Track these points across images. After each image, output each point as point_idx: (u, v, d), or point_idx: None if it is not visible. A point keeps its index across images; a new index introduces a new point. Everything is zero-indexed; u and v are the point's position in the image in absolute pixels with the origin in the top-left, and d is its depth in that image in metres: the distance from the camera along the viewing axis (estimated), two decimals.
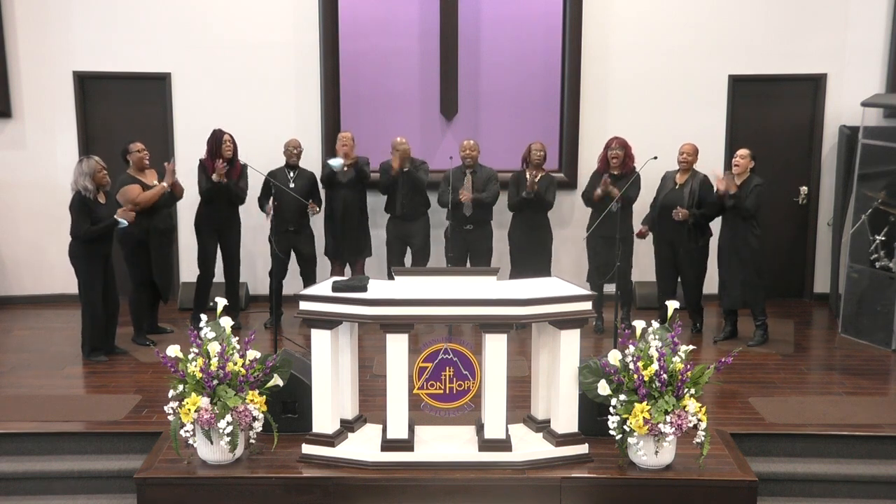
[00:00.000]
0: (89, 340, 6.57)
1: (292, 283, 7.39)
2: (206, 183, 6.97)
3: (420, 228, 7.47)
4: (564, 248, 7.69)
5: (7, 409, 5.66)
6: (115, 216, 6.33)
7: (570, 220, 7.90)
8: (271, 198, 6.88)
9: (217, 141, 7.01)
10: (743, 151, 6.83)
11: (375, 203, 7.60)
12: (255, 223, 7.61)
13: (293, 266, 7.45)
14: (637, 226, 7.21)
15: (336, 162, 7.19)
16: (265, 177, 7.06)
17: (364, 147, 7.59)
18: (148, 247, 6.80)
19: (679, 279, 7.20)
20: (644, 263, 7.45)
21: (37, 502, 5.15)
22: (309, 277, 7.44)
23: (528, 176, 7.08)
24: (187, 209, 7.31)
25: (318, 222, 7.60)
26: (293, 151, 7.29)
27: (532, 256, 7.20)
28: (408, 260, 7.64)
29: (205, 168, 7.03)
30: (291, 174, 7.28)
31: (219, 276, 7.31)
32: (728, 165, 7.99)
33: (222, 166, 6.86)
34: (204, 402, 4.67)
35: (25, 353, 6.83)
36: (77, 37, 7.88)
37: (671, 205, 6.94)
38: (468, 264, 7.35)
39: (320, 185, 7.48)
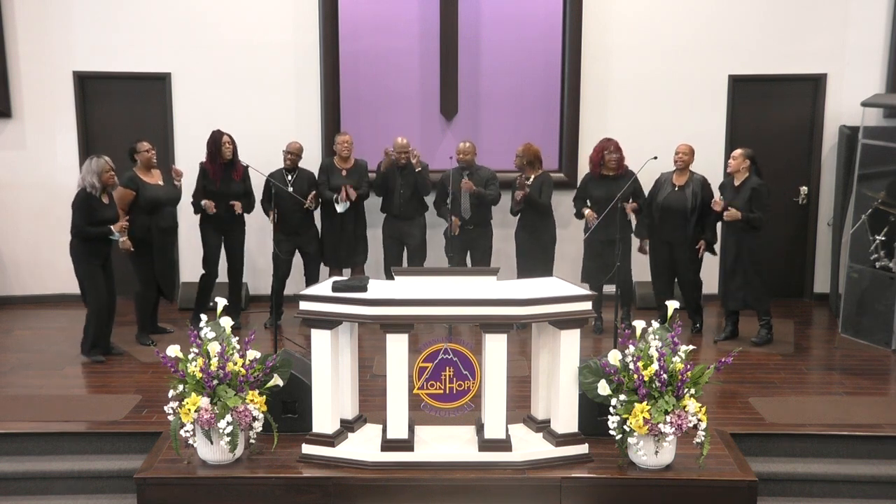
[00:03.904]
0: (92, 337, 6.56)
1: (293, 283, 7.39)
2: (196, 202, 7.02)
3: (417, 228, 7.47)
4: (565, 249, 7.68)
5: (7, 409, 5.67)
6: (112, 227, 6.32)
7: (571, 220, 7.89)
8: (272, 208, 6.88)
9: (216, 143, 7.00)
10: (735, 152, 6.82)
11: (373, 202, 7.58)
12: (257, 224, 7.60)
13: (297, 265, 7.44)
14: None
15: (341, 207, 7.23)
16: (266, 178, 7.06)
17: (364, 147, 7.59)
18: (151, 245, 6.80)
19: (676, 280, 7.21)
20: (644, 263, 7.44)
21: (37, 502, 5.15)
22: (312, 276, 7.43)
23: (517, 180, 7.13)
24: (189, 208, 7.29)
25: (318, 224, 7.59)
26: (293, 158, 7.24)
27: (533, 258, 7.20)
28: (404, 260, 7.64)
29: (205, 173, 7.03)
30: (290, 177, 7.26)
31: (221, 275, 7.32)
32: (727, 166, 8.01)
33: (213, 208, 6.95)
34: (204, 402, 4.67)
35: (25, 353, 6.83)
36: (77, 37, 7.87)
37: (672, 206, 6.94)
38: (469, 264, 7.35)
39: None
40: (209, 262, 7.22)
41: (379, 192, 7.47)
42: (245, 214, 7.25)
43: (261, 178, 7.13)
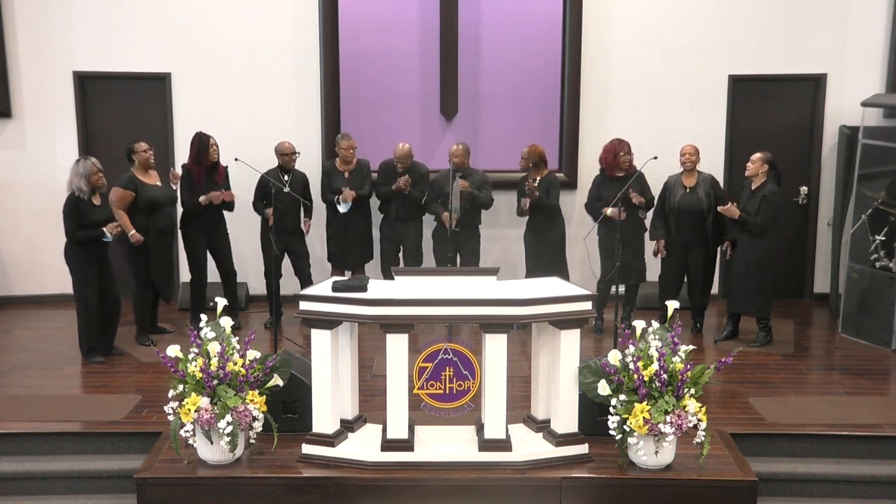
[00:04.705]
0: (86, 341, 6.57)
1: (292, 282, 7.40)
2: (190, 200, 6.96)
3: (413, 230, 7.47)
4: (571, 249, 7.65)
5: (7, 409, 5.67)
6: (104, 229, 6.31)
7: (572, 219, 7.89)
8: (271, 206, 6.88)
9: (203, 145, 6.95)
10: (754, 156, 6.78)
11: (375, 202, 7.57)
12: (251, 223, 7.59)
13: (288, 265, 7.44)
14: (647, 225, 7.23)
15: (343, 207, 7.24)
16: (261, 175, 7.04)
17: (364, 147, 7.58)
18: (148, 246, 6.79)
19: (685, 281, 7.20)
20: (651, 264, 7.43)
21: (37, 502, 5.15)
22: (305, 277, 7.43)
23: (526, 184, 7.09)
24: None
25: (318, 225, 7.58)
26: (287, 158, 7.22)
27: (540, 259, 7.18)
28: (400, 262, 7.63)
29: (190, 174, 7.00)
30: (286, 177, 7.25)
31: (214, 276, 7.30)
32: (727, 166, 8.02)
33: (208, 198, 6.89)
34: (204, 402, 4.67)
35: (25, 353, 6.83)
36: (77, 37, 7.87)
37: (688, 209, 6.93)
38: (458, 265, 7.35)
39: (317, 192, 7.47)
40: (196, 265, 7.16)
41: (381, 199, 7.50)
42: (228, 212, 7.21)
43: (252, 177, 7.10)
